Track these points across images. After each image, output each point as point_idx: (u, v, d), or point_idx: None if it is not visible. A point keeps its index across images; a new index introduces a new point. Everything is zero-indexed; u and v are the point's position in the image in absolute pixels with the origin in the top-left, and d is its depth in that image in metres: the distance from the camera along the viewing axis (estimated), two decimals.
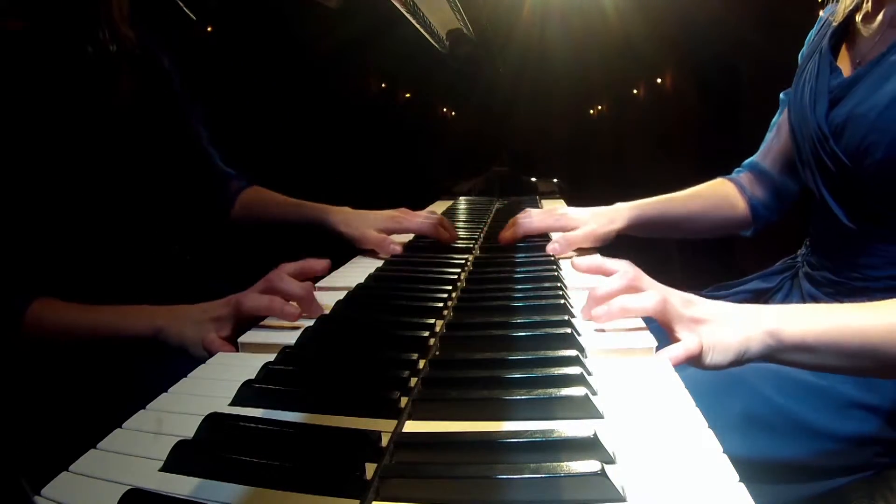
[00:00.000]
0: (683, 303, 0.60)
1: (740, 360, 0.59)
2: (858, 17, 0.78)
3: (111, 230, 0.81)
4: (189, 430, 0.42)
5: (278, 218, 1.01)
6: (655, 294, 0.59)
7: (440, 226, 1.02)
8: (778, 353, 0.59)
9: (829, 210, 0.80)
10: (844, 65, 0.81)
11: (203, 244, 0.95)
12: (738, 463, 0.37)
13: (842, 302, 0.78)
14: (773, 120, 0.99)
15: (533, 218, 1.01)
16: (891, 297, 0.62)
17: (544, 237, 1.01)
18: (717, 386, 0.69)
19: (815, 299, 0.84)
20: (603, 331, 0.62)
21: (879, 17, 0.75)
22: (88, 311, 0.70)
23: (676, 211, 1.00)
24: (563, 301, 0.68)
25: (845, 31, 0.82)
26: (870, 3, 0.77)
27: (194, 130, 0.97)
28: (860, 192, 0.76)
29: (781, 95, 0.97)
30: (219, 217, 1.01)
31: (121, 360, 0.69)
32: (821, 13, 0.89)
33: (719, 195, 1.02)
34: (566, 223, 0.98)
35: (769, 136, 0.99)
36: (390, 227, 1.00)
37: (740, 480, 0.35)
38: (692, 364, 0.58)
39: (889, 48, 0.72)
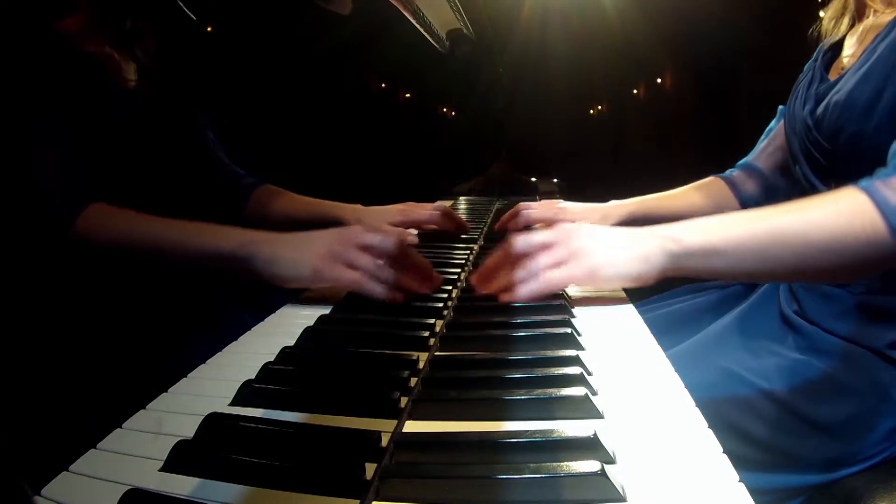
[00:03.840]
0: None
1: (642, 273, 0.60)
2: (842, 30, 0.89)
3: None
4: (189, 430, 0.42)
5: (291, 215, 1.01)
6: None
7: (447, 216, 1.06)
8: (684, 260, 0.59)
9: (816, 192, 0.84)
10: (834, 76, 0.88)
11: None
12: (733, 456, 0.37)
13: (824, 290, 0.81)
14: (769, 127, 1.04)
15: (533, 209, 1.09)
16: None
17: None
18: (709, 379, 0.71)
19: (797, 289, 0.84)
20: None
21: (858, 31, 0.85)
22: (160, 223, 0.69)
23: (668, 208, 1.04)
24: (563, 301, 0.68)
25: (838, 49, 0.90)
26: (845, 22, 0.89)
27: (203, 132, 0.98)
28: (841, 170, 0.81)
29: (780, 108, 1.02)
30: (232, 215, 1.00)
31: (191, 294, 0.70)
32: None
33: (711, 192, 1.06)
34: (564, 216, 1.04)
35: (763, 140, 1.05)
36: (400, 221, 1.03)
37: (739, 479, 0.35)
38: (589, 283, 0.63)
39: (863, 53, 0.80)
